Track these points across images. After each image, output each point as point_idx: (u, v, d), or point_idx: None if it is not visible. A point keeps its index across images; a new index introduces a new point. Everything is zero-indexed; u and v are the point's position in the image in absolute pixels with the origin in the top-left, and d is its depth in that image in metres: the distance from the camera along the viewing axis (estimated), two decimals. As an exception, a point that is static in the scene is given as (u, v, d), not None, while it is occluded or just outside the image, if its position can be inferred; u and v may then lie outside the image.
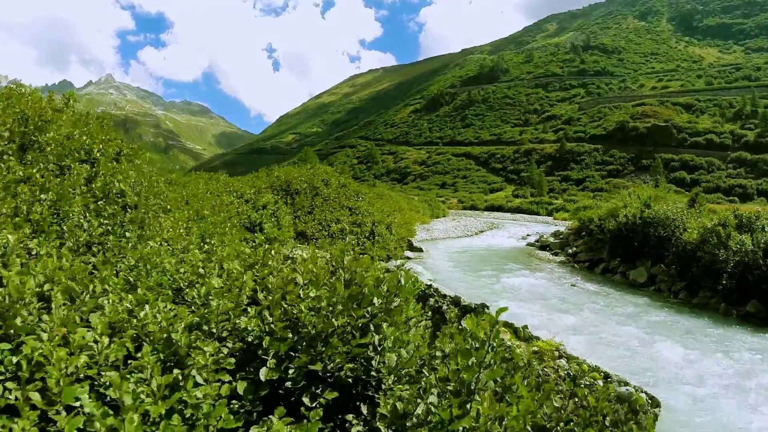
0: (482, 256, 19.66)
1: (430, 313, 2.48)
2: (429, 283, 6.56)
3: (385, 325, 2.05)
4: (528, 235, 27.21)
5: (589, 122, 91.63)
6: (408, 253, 18.91)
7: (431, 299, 6.10)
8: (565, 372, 4.98)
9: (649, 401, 5.25)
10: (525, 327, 5.27)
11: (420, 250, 20.19)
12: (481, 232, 31.61)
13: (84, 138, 4.32)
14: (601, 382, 5.25)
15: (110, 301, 1.95)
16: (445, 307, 5.94)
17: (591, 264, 17.00)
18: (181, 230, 3.38)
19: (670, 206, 14.73)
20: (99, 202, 3.38)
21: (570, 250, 19.18)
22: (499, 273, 14.65)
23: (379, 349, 2.02)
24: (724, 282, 11.83)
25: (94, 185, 3.55)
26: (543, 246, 21.92)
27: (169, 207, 4.15)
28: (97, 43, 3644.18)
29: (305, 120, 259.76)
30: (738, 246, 11.82)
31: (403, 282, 2.29)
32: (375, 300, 2.16)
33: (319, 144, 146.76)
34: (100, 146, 4.41)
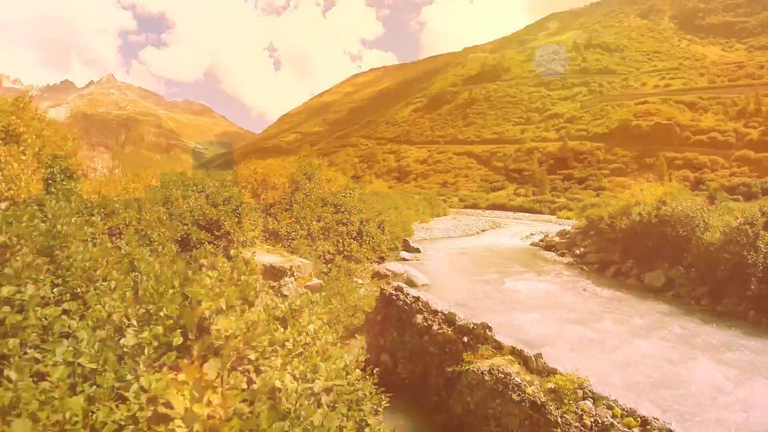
0: (484, 257, 18.48)
1: None
2: (417, 295, 5.35)
3: None
4: (532, 234, 26.12)
5: (591, 120, 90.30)
6: (404, 254, 17.74)
7: (419, 316, 4.90)
8: (591, 420, 3.75)
9: (702, 453, 4.01)
10: (539, 356, 4.06)
11: (417, 250, 19.04)
12: (483, 231, 30.49)
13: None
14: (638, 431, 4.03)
15: None
16: (435, 326, 4.74)
17: (601, 266, 15.79)
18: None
19: (689, 203, 13.49)
20: None
21: (578, 251, 18.00)
22: (502, 277, 13.46)
23: None
24: (752, 287, 10.64)
25: None
26: (548, 246, 20.75)
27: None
28: (99, 43, 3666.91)
29: (307, 119, 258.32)
30: (768, 247, 10.62)
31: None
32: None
33: (320, 143, 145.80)
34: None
